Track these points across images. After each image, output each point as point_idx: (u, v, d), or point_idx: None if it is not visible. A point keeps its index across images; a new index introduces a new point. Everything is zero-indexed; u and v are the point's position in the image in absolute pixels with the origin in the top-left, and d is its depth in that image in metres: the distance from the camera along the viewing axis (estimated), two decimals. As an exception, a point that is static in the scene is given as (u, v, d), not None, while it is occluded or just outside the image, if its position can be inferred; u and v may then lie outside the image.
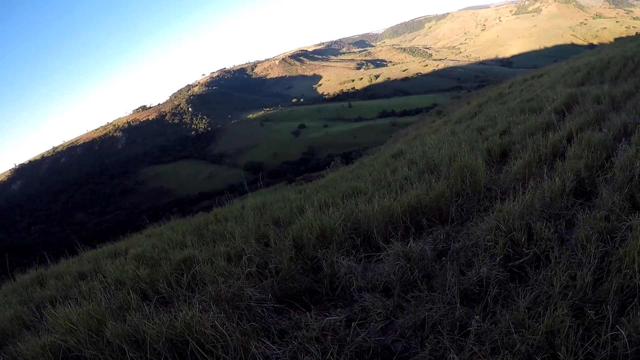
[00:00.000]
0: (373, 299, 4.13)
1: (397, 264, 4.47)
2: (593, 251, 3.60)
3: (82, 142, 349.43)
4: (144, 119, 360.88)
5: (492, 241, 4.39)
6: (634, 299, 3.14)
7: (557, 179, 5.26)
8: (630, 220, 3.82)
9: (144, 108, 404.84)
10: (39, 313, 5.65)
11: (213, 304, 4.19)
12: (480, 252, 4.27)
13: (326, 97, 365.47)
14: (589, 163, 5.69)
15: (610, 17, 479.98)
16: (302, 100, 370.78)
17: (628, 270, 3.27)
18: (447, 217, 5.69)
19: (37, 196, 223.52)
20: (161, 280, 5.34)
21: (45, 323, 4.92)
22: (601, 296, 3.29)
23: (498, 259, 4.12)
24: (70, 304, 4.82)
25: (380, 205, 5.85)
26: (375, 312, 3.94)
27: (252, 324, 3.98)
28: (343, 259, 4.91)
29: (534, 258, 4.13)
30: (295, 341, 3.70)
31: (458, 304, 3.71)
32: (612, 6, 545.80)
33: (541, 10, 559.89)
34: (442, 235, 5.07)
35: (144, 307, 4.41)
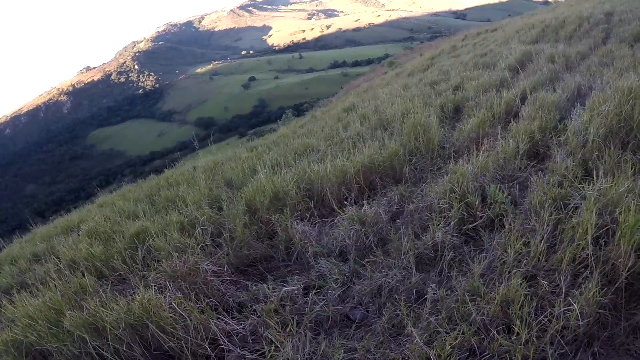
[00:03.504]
0: (329, 265, 4.12)
1: (352, 228, 4.46)
2: (546, 218, 3.62)
3: (25, 110, 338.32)
4: (88, 80, 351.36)
5: (446, 204, 4.39)
6: (585, 270, 3.18)
7: (511, 141, 5.28)
8: (583, 188, 3.84)
9: (88, 69, 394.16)
10: (-2, 304, 5.48)
11: (169, 282, 4.10)
12: (435, 216, 4.26)
13: (276, 48, 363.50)
14: (543, 125, 5.70)
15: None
16: (251, 52, 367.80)
17: (581, 242, 3.29)
18: (401, 177, 5.71)
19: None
20: (116, 257, 5.21)
21: (4, 317, 4.77)
22: (554, 264, 3.32)
23: (452, 222, 4.13)
24: (26, 295, 4.67)
25: (333, 165, 5.79)
26: (332, 278, 3.94)
27: (211, 300, 3.93)
28: (297, 223, 4.87)
29: (487, 221, 4.16)
30: (254, 315, 3.66)
31: (414, 270, 3.72)
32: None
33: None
34: (396, 197, 5.06)
35: (100, 290, 4.31)
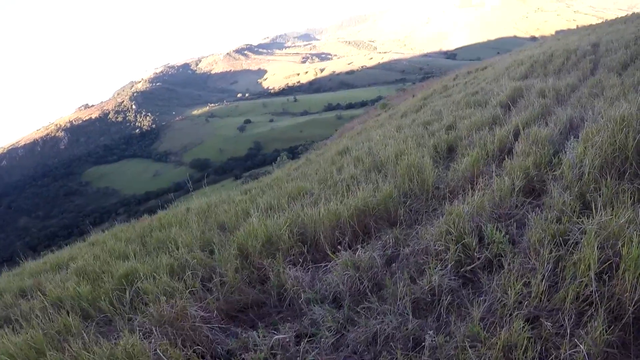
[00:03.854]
0: (322, 312, 3.98)
1: (346, 273, 4.33)
2: (546, 256, 3.52)
3: (23, 143, 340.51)
4: (86, 118, 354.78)
5: (442, 246, 4.28)
6: (590, 308, 3.08)
7: (506, 178, 5.20)
8: (583, 222, 3.76)
9: (86, 106, 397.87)
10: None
11: (156, 327, 3.96)
12: (431, 259, 4.15)
13: (271, 91, 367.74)
14: (537, 160, 5.65)
15: (551, 11, 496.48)
16: (247, 95, 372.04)
17: (584, 279, 3.19)
18: (396, 220, 5.57)
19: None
20: (103, 298, 5.13)
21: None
22: (557, 304, 3.21)
23: (449, 265, 4.02)
24: (8, 332, 4.59)
25: (326, 209, 5.68)
26: (325, 326, 3.79)
27: (198, 347, 3.78)
28: (290, 268, 4.75)
29: (486, 262, 4.04)
30: (243, 365, 3.52)
31: (410, 316, 3.58)
32: (554, 0, 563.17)
33: (484, 3, 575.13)
34: (391, 240, 4.94)
35: (84, 333, 4.19)
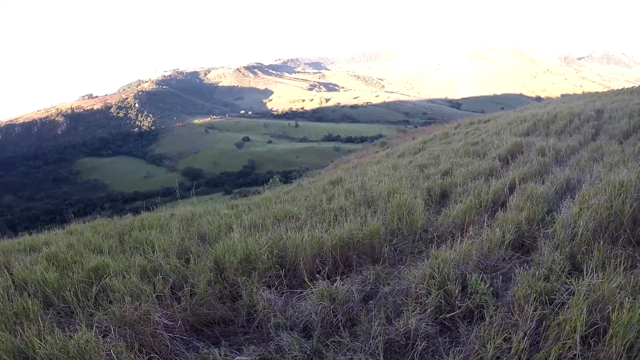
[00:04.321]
0: (290, 339, 3.82)
1: (321, 303, 4.19)
2: (530, 313, 3.42)
3: (21, 121, 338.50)
4: (88, 108, 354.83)
5: (424, 289, 4.15)
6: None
7: (497, 230, 5.15)
8: (571, 283, 3.67)
9: (90, 96, 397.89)
10: None
11: (115, 327, 3.81)
12: (411, 301, 4.02)
13: (275, 113, 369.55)
14: (530, 216, 5.64)
15: (559, 74, 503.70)
16: (250, 112, 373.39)
17: (568, 341, 3.08)
18: (379, 257, 5.48)
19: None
20: (68, 288, 4.95)
21: None
22: (536, 364, 3.09)
23: (429, 310, 3.89)
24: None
25: (310, 235, 5.55)
26: (291, 354, 3.64)
27: (154, 355, 3.63)
28: (264, 290, 4.61)
29: (466, 312, 3.93)
30: (198, 383, 3.36)
31: (381, 357, 3.46)
32: (564, 64, 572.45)
33: (495, 58, 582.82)
34: (371, 277, 4.83)
35: (41, 320, 4.02)
